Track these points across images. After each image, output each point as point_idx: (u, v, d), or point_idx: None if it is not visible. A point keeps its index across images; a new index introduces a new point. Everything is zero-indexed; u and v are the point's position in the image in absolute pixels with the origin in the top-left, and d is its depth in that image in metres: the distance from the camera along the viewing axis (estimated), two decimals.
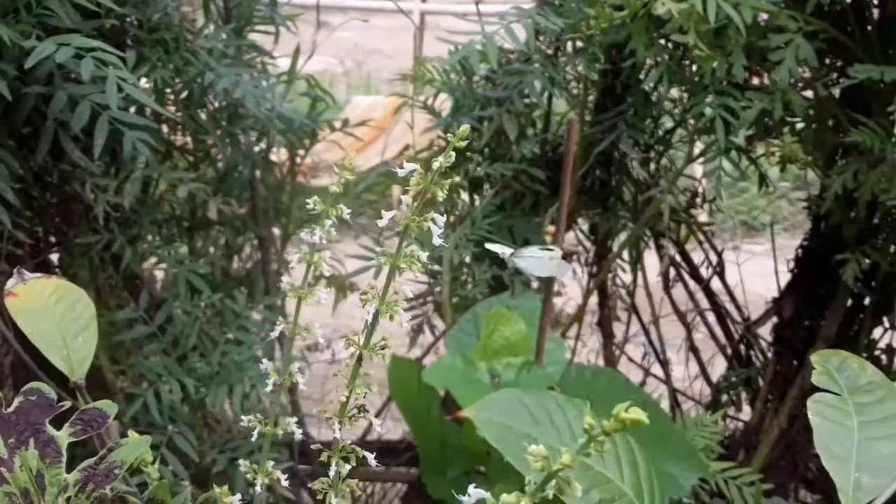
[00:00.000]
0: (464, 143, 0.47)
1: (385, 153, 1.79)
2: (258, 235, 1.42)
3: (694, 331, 1.60)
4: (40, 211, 1.16)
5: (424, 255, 0.49)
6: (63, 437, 0.57)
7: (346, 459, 0.49)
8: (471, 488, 0.43)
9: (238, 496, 0.52)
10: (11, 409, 0.58)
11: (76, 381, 0.61)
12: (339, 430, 0.48)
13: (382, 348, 0.48)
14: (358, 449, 0.49)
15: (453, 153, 0.47)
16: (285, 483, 0.54)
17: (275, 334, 0.54)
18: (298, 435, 0.54)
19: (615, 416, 0.40)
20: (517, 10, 1.19)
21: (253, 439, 0.55)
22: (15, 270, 0.66)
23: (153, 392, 1.13)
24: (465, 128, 0.47)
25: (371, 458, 0.49)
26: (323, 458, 0.49)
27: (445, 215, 1.44)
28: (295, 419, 0.55)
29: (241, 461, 0.55)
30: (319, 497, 0.49)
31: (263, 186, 1.43)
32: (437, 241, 0.48)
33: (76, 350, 0.63)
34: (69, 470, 0.57)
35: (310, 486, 0.50)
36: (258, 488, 0.53)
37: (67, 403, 0.60)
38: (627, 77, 1.30)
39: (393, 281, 0.49)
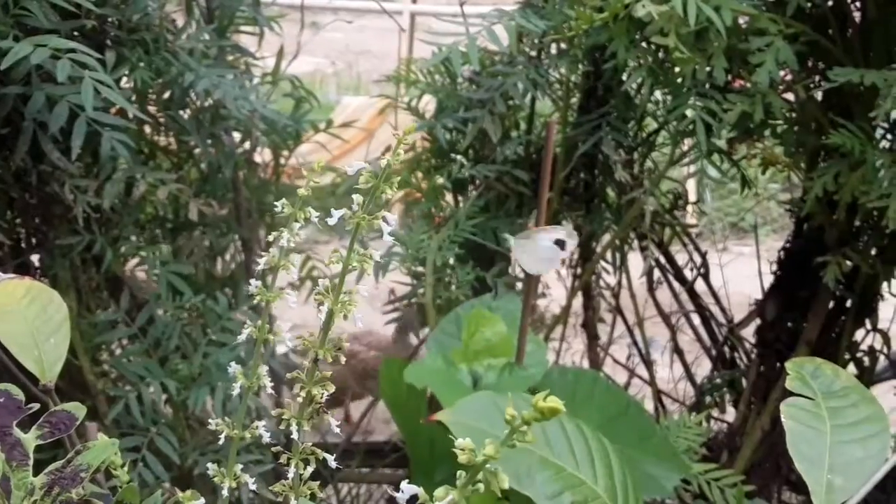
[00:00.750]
0: (410, 141, 0.47)
1: (370, 155, 1.79)
2: (242, 237, 1.42)
3: (679, 332, 1.60)
4: (20, 212, 1.16)
5: (377, 255, 0.49)
6: (30, 439, 0.57)
7: (306, 462, 0.49)
8: (403, 484, 0.43)
9: (202, 501, 0.52)
10: None
11: (46, 384, 0.61)
12: (297, 431, 0.48)
13: (338, 349, 0.48)
14: (318, 450, 0.49)
15: (401, 151, 0.47)
16: (253, 486, 0.54)
17: (242, 338, 0.54)
18: (267, 438, 0.54)
19: (534, 405, 0.40)
20: (499, 11, 1.19)
21: (220, 442, 0.55)
22: None
23: (136, 394, 1.13)
24: (411, 126, 0.47)
25: (331, 459, 0.49)
26: (282, 459, 0.49)
27: (430, 217, 1.44)
28: (263, 422, 0.54)
29: (209, 465, 0.54)
30: (280, 499, 0.49)
31: (247, 188, 1.43)
32: (387, 238, 0.48)
33: (48, 352, 0.63)
34: (37, 473, 0.57)
35: (269, 488, 0.49)
36: (224, 492, 0.53)
37: (36, 405, 0.60)
38: (609, 79, 1.31)
39: (347, 279, 0.49)
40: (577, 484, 0.70)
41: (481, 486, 0.42)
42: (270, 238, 0.56)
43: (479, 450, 0.64)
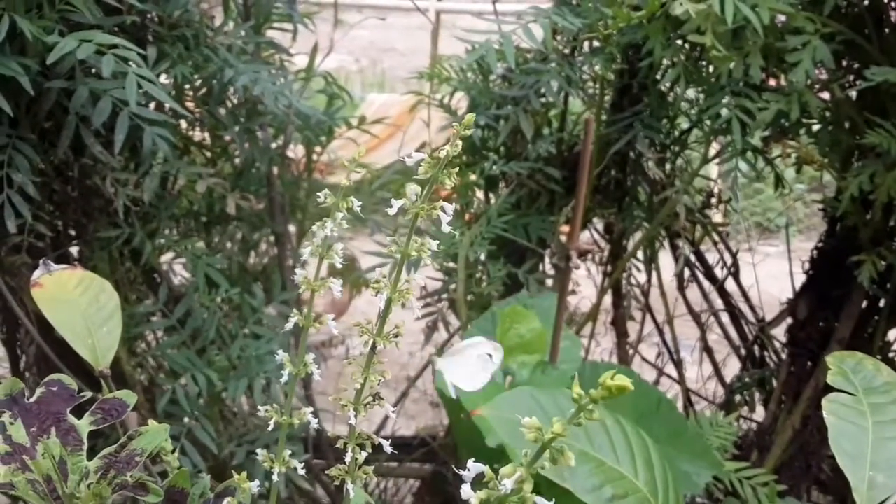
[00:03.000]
0: (468, 133, 0.48)
1: (401, 151, 1.80)
2: (275, 231, 1.43)
3: (708, 331, 1.60)
4: (61, 204, 1.17)
5: (434, 244, 0.49)
6: (84, 425, 0.58)
7: (361, 447, 0.50)
8: (470, 462, 0.44)
9: (255, 482, 0.53)
10: (33, 398, 0.59)
11: (101, 370, 0.62)
12: (354, 417, 0.49)
13: (395, 336, 0.49)
14: (374, 437, 0.50)
15: (459, 142, 0.48)
16: (302, 472, 0.55)
17: (289, 326, 0.55)
18: (314, 424, 0.55)
19: (601, 384, 0.41)
20: (534, 9, 1.19)
21: (269, 430, 0.56)
22: (41, 262, 0.67)
23: (177, 384, 1.14)
24: (470, 117, 0.48)
25: (386, 444, 0.50)
26: (339, 445, 0.50)
27: (462, 213, 1.45)
28: (311, 409, 0.55)
29: (258, 451, 0.55)
30: (336, 484, 0.50)
31: (280, 183, 1.44)
32: (445, 228, 0.49)
33: (101, 340, 0.64)
34: (90, 458, 0.58)
35: (326, 473, 0.50)
36: (275, 477, 0.54)
37: (88, 394, 0.61)
38: (644, 77, 1.31)
39: (404, 270, 0.50)
40: (618, 477, 0.70)
41: (547, 463, 0.42)
42: (314, 228, 0.56)
43: (521, 443, 0.65)
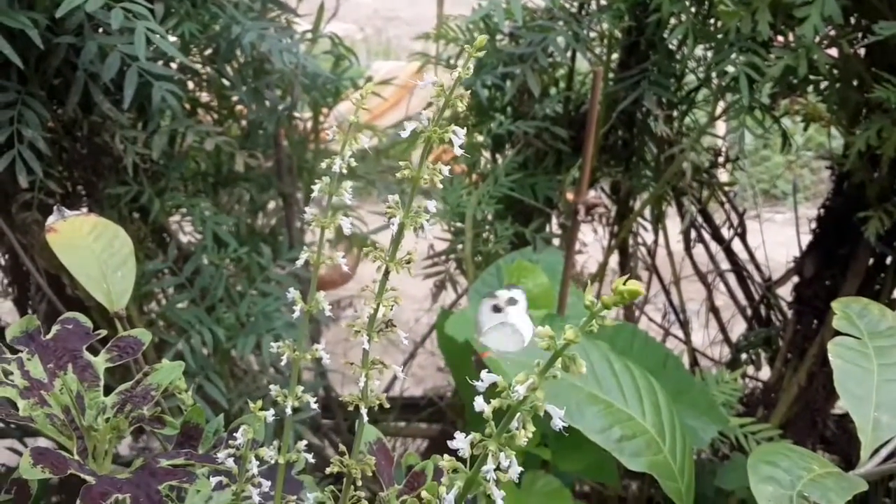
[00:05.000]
0: (482, 54, 0.48)
1: (409, 113, 1.80)
2: (282, 192, 1.44)
3: (714, 291, 1.60)
4: (70, 162, 1.18)
5: (446, 169, 0.50)
6: (100, 362, 0.59)
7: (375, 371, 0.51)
8: (483, 373, 0.45)
9: (271, 411, 0.54)
10: (50, 336, 0.60)
11: (117, 311, 0.63)
12: (368, 343, 0.49)
13: (408, 262, 0.50)
14: (385, 362, 0.51)
15: (471, 65, 0.48)
16: (315, 406, 0.56)
17: (300, 263, 0.55)
18: (326, 360, 0.55)
19: (615, 290, 0.42)
20: None
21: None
22: (55, 208, 0.68)
23: (182, 341, 1.15)
24: (482, 38, 0.48)
25: (398, 370, 0.51)
26: (353, 370, 0.50)
27: (469, 173, 1.45)
28: (322, 345, 0.56)
29: (271, 387, 0.56)
30: (351, 408, 0.51)
31: (288, 144, 1.44)
32: (457, 151, 0.49)
33: (115, 284, 0.65)
34: (105, 396, 0.59)
35: (340, 398, 0.51)
36: (288, 410, 0.55)
37: (103, 332, 0.62)
38: (651, 34, 1.30)
39: (415, 198, 0.50)
40: (626, 419, 0.71)
41: (559, 372, 0.43)
42: (323, 165, 0.56)
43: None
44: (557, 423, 0.44)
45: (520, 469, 0.45)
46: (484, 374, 0.45)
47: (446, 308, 1.47)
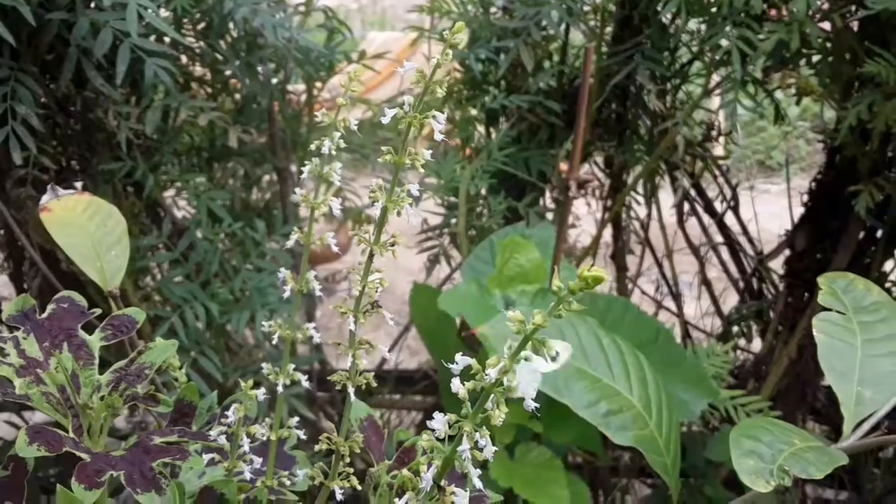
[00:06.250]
0: (459, 42, 0.49)
1: (402, 87, 1.79)
2: (276, 167, 1.44)
3: (707, 264, 1.61)
4: (63, 138, 1.18)
5: (428, 153, 0.51)
6: (95, 341, 0.60)
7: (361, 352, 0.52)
8: (458, 356, 0.46)
9: (262, 390, 0.55)
10: (45, 315, 0.61)
11: (111, 290, 0.64)
12: (354, 324, 0.50)
13: (392, 245, 0.50)
14: (372, 342, 0.52)
15: (450, 51, 0.49)
16: (306, 384, 0.57)
17: (290, 243, 0.56)
18: (317, 338, 0.56)
19: (579, 276, 0.42)
20: None
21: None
22: (49, 187, 0.68)
23: (178, 315, 1.16)
24: (460, 24, 0.48)
25: (384, 351, 0.52)
26: (340, 350, 0.51)
27: (462, 147, 1.46)
28: (313, 324, 0.57)
29: (264, 364, 0.57)
30: (339, 388, 0.52)
31: (281, 118, 1.44)
32: (438, 136, 0.50)
33: (109, 263, 0.66)
34: (100, 374, 0.60)
35: (328, 378, 0.52)
36: (280, 388, 0.56)
37: (98, 311, 0.63)
38: (645, 8, 1.30)
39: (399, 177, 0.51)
40: (613, 394, 0.72)
41: (532, 355, 0.44)
42: (312, 147, 0.57)
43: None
44: (530, 405, 0.45)
45: (494, 448, 0.46)
46: (458, 356, 0.46)
47: (440, 283, 1.48)
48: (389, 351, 1.67)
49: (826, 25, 1.22)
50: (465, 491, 0.47)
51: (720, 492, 1.34)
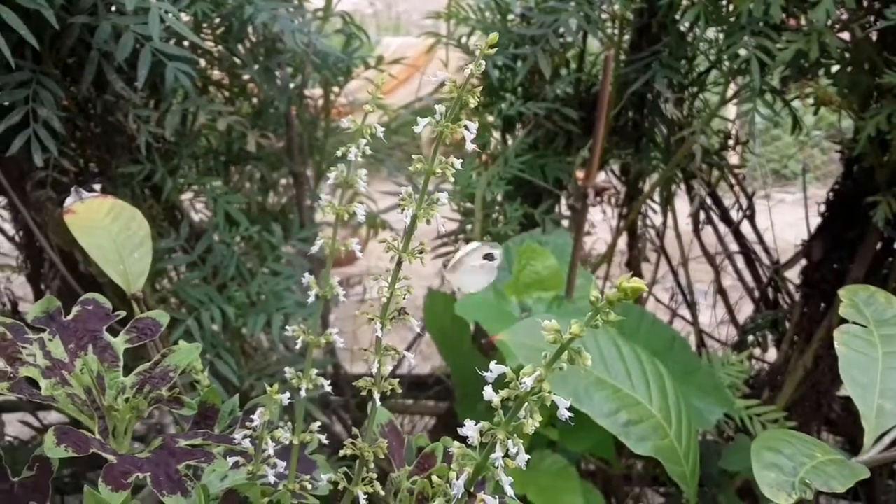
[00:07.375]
0: (493, 52, 0.49)
1: (419, 92, 1.80)
2: (293, 171, 1.45)
3: (722, 273, 1.61)
4: (84, 141, 1.19)
5: (458, 162, 0.51)
6: (119, 343, 0.60)
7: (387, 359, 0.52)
8: (492, 364, 0.46)
9: (286, 394, 0.55)
10: (70, 317, 0.61)
11: (134, 293, 0.64)
12: (381, 331, 0.50)
13: (420, 252, 0.50)
14: (398, 349, 0.52)
15: (483, 62, 0.49)
16: (328, 388, 0.57)
17: (314, 249, 0.56)
18: (340, 343, 0.57)
19: (618, 286, 0.42)
20: None
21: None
22: (73, 189, 0.69)
23: (195, 319, 1.17)
24: (493, 35, 0.49)
25: (410, 357, 0.52)
26: (366, 358, 0.52)
27: (479, 153, 1.46)
28: (336, 329, 0.57)
29: (286, 369, 0.57)
30: (364, 393, 0.52)
31: (299, 123, 1.45)
32: (469, 146, 0.50)
33: (132, 265, 0.66)
34: (125, 376, 0.60)
35: (354, 384, 0.52)
36: (303, 393, 0.56)
37: (122, 313, 0.63)
38: (663, 16, 1.30)
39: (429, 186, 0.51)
40: (633, 404, 0.72)
41: (565, 365, 0.44)
42: (339, 153, 0.57)
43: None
44: (564, 413, 0.45)
45: (526, 456, 0.46)
46: (493, 365, 0.46)
47: (454, 290, 1.48)
48: (403, 358, 1.68)
49: (845, 35, 1.22)
50: (495, 498, 0.47)
51: (734, 501, 1.34)
